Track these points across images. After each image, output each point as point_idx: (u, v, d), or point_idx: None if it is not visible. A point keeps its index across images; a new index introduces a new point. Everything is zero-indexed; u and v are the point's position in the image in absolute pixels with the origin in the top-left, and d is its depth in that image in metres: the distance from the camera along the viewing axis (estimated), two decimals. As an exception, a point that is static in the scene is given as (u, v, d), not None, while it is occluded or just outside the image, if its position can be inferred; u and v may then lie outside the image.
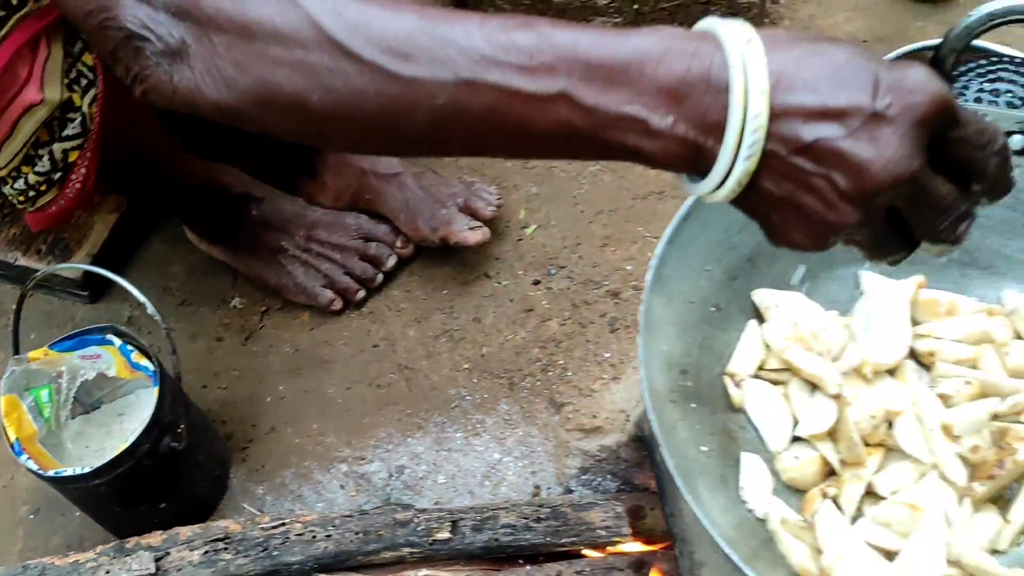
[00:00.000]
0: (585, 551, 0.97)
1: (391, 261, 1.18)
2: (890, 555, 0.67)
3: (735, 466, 0.73)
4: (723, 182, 0.46)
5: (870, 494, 0.71)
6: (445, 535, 0.95)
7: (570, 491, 1.05)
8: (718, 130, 0.44)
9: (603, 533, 0.96)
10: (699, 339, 0.76)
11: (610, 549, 0.96)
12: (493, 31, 0.47)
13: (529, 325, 1.15)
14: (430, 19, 0.48)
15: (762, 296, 0.79)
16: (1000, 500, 0.72)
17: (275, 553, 0.94)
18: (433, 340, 1.15)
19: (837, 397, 0.73)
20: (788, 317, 0.77)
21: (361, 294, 1.18)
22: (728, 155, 0.44)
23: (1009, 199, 0.76)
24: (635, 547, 0.96)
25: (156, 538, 0.96)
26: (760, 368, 0.78)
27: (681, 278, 0.73)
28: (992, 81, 1.11)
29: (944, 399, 0.74)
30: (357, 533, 0.95)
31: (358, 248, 1.17)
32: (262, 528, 0.96)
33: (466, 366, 1.13)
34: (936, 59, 0.79)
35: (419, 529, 0.95)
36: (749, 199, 0.47)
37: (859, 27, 1.40)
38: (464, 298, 1.18)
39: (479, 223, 1.14)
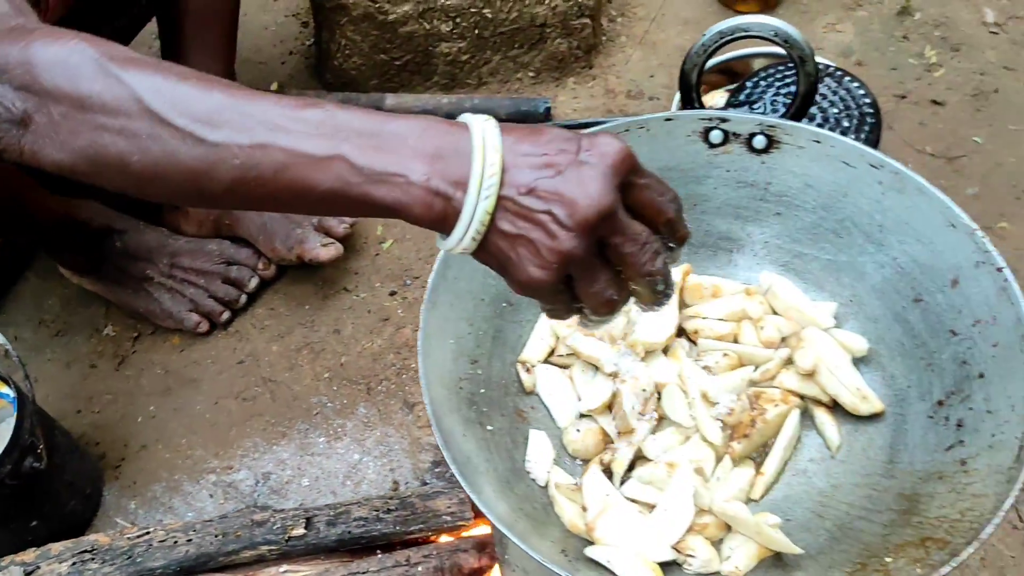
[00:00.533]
0: (433, 537, 1.05)
1: (253, 282, 1.26)
2: (652, 508, 0.76)
3: (524, 443, 0.82)
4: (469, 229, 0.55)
5: (645, 459, 0.81)
6: (300, 531, 1.02)
7: (425, 483, 1.13)
8: (464, 183, 0.54)
9: (448, 519, 1.04)
10: (491, 332, 0.85)
11: (456, 533, 1.05)
12: (287, 107, 0.57)
13: (385, 333, 1.23)
14: (235, 96, 0.57)
15: (552, 291, 0.88)
16: (760, 456, 0.82)
17: (139, 560, 1.00)
18: (295, 353, 1.23)
19: (614, 375, 0.83)
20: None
21: (226, 315, 1.25)
22: (472, 198, 0.54)
23: (760, 192, 0.87)
24: (479, 530, 1.05)
25: (30, 555, 1.02)
26: (550, 355, 0.87)
27: (469, 279, 0.82)
28: (787, 85, 1.23)
29: (708, 370, 0.84)
30: (217, 536, 1.02)
31: (220, 272, 1.25)
32: (128, 538, 1.03)
33: (327, 375, 1.21)
34: (683, 73, 0.90)
35: (275, 528, 1.02)
36: (491, 244, 0.56)
37: (688, 40, 1.52)
38: (325, 312, 1.26)
39: (332, 240, 1.22)
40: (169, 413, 1.19)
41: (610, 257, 0.57)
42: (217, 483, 1.14)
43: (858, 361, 0.84)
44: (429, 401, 0.71)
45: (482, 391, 0.81)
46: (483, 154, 0.54)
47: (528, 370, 0.85)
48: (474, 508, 1.03)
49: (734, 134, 0.87)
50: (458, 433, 0.74)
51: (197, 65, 1.09)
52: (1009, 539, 0.99)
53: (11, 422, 1.05)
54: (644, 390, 0.82)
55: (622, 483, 0.79)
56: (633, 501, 0.78)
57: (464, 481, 0.67)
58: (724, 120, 0.87)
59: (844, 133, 1.18)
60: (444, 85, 1.46)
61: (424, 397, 0.71)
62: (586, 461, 0.82)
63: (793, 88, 1.22)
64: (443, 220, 0.55)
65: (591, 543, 0.74)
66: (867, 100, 1.22)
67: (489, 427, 0.79)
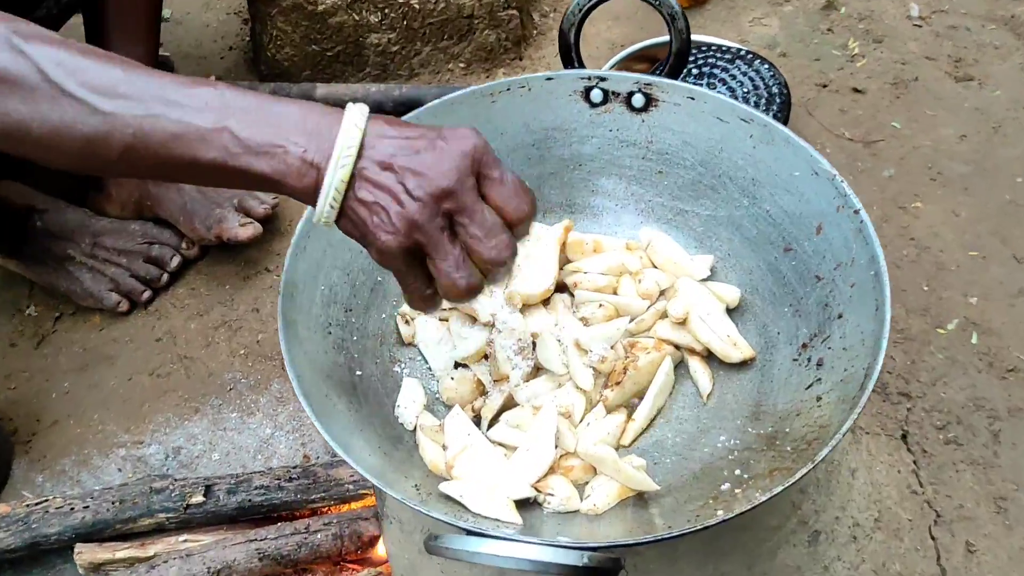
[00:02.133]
0: (336, 507, 1.05)
1: (175, 262, 1.27)
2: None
3: (397, 390, 0.82)
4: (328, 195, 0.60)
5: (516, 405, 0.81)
6: (199, 499, 1.02)
7: (335, 456, 1.13)
8: (331, 156, 0.60)
9: (351, 488, 1.04)
10: (370, 284, 0.86)
11: (358, 502, 1.05)
12: (180, 84, 0.62)
13: (303, 311, 1.24)
14: (132, 71, 0.62)
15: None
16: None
17: (34, 526, 1.00)
18: (213, 331, 1.23)
19: (489, 325, 0.84)
20: (456, 263, 0.88)
21: (147, 295, 1.26)
22: (332, 167, 0.60)
23: (642, 150, 0.88)
24: (381, 498, 1.04)
25: (-71, 524, 1.02)
26: (431, 308, 0.88)
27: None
28: (698, 66, 1.26)
29: (584, 321, 0.85)
30: (114, 503, 1.02)
31: (142, 251, 1.26)
32: (27, 506, 1.03)
33: (243, 352, 1.21)
34: (561, 33, 0.92)
35: (174, 495, 1.02)
36: (349, 211, 0.61)
37: (619, 34, 1.55)
38: (245, 291, 1.27)
39: (251, 220, 1.23)
40: (83, 390, 1.19)
41: (459, 237, 0.62)
42: (126, 457, 1.14)
43: (732, 311, 0.85)
44: (285, 339, 0.72)
45: (355, 339, 0.82)
46: (347, 131, 0.60)
47: (407, 322, 0.86)
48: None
49: (614, 93, 0.89)
50: (320, 373, 0.75)
51: (119, 52, 1.13)
52: (907, 503, 0.99)
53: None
54: (520, 340, 0.82)
55: (490, 427, 0.79)
56: (501, 445, 0.78)
57: (311, 411, 0.67)
58: (603, 79, 0.89)
59: (752, 111, 1.19)
60: (376, 76, 1.49)
61: (280, 335, 0.72)
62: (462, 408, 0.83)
63: (704, 68, 1.24)
64: (315, 191, 0.61)
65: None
66: (777, 81, 1.24)
67: (359, 372, 0.80)
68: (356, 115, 0.61)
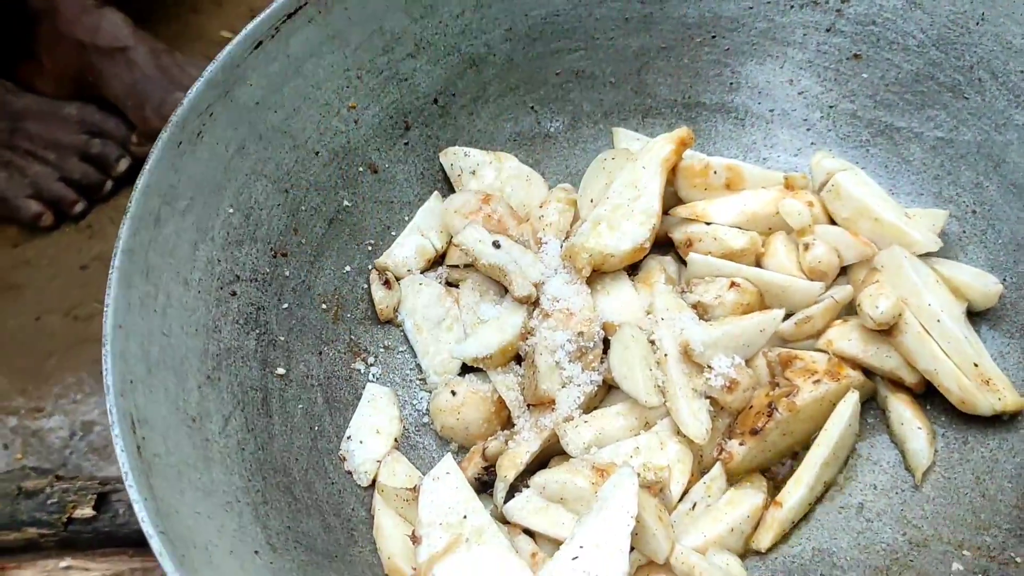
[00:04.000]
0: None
1: (122, 164, 0.93)
2: (555, 548, 0.40)
3: (353, 405, 0.46)
4: None
5: (564, 456, 0.44)
6: (87, 512, 0.70)
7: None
8: None
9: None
10: (329, 213, 0.49)
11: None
12: None
13: (284, 246, 0.89)
14: None
15: (452, 154, 0.52)
16: (781, 471, 0.46)
17: None
18: (158, 262, 0.90)
19: (529, 301, 0.47)
20: (485, 184, 0.51)
21: (80, 206, 0.92)
22: None
23: (828, 15, 0.51)
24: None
25: None
26: (433, 263, 0.51)
27: (292, 102, 0.47)
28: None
29: (701, 309, 0.47)
30: (-36, 505, 0.70)
31: (78, 146, 0.92)
32: None
33: (195, 295, 0.87)
34: None
35: (52, 504, 0.70)
36: None
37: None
38: (210, 212, 0.93)
39: (222, 111, 0.88)
40: (-25, 328, 0.87)
41: None
42: (18, 429, 0.82)
43: (979, 317, 0.47)
44: (116, 299, 0.36)
45: (285, 307, 0.46)
46: None
47: (388, 282, 0.49)
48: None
49: (789, -95, 0.50)
50: (193, 370, 0.39)
51: None
52: None
53: None
54: (581, 333, 0.45)
55: (508, 497, 0.42)
56: (526, 534, 0.41)
57: (126, 458, 0.33)
58: None
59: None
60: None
61: (109, 293, 0.36)
62: (467, 449, 0.46)
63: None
64: None
65: (422, 607, 0.38)
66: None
67: (281, 370, 0.44)
68: None
